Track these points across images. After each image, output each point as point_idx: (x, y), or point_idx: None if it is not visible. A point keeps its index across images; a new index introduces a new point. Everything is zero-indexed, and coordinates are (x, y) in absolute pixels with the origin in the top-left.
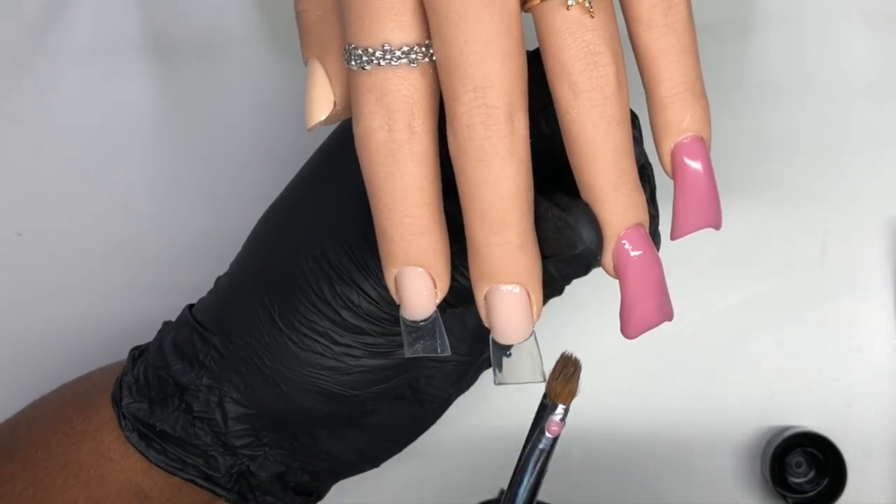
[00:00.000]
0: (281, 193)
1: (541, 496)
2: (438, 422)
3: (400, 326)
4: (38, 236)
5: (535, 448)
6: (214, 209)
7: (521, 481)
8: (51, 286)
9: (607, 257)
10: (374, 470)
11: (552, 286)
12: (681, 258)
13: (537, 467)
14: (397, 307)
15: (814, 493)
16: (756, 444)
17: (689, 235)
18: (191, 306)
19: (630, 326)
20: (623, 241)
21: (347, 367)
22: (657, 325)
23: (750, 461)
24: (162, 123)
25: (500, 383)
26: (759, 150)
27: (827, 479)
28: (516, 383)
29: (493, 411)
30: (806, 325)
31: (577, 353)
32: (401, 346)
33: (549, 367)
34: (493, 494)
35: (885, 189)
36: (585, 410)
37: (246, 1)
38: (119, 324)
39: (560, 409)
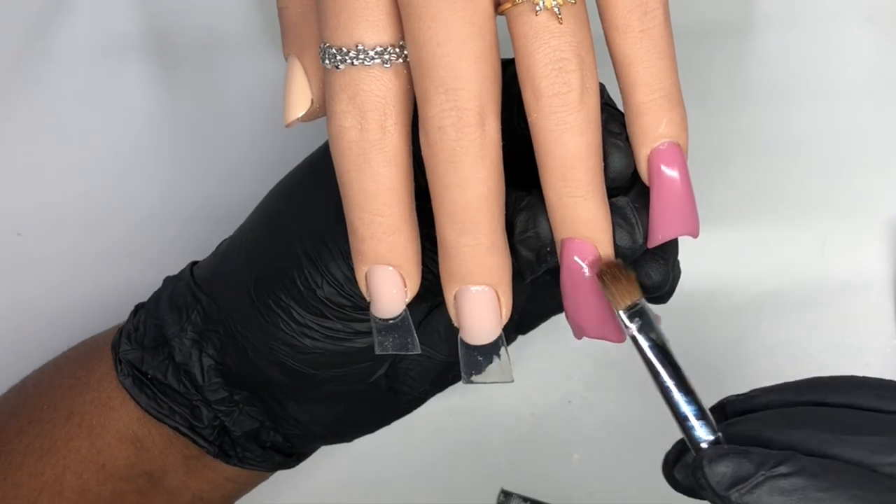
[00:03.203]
0: (283, 177)
1: (540, 496)
2: (439, 421)
3: (358, 315)
4: (38, 236)
5: (667, 342)
6: (214, 206)
7: (687, 379)
8: (51, 285)
9: (558, 257)
10: (373, 469)
11: (519, 288)
12: (681, 258)
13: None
14: (359, 295)
15: None
16: None
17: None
18: (194, 263)
19: (571, 328)
20: (563, 247)
21: (304, 347)
22: (592, 337)
23: None
24: (162, 123)
25: (469, 383)
26: (758, 151)
27: None
28: (485, 383)
29: (493, 411)
30: (806, 325)
31: (577, 356)
32: (359, 334)
33: (542, 369)
34: (493, 494)
35: (885, 189)
36: (586, 411)
37: (245, 1)
38: (120, 318)
39: (643, 301)
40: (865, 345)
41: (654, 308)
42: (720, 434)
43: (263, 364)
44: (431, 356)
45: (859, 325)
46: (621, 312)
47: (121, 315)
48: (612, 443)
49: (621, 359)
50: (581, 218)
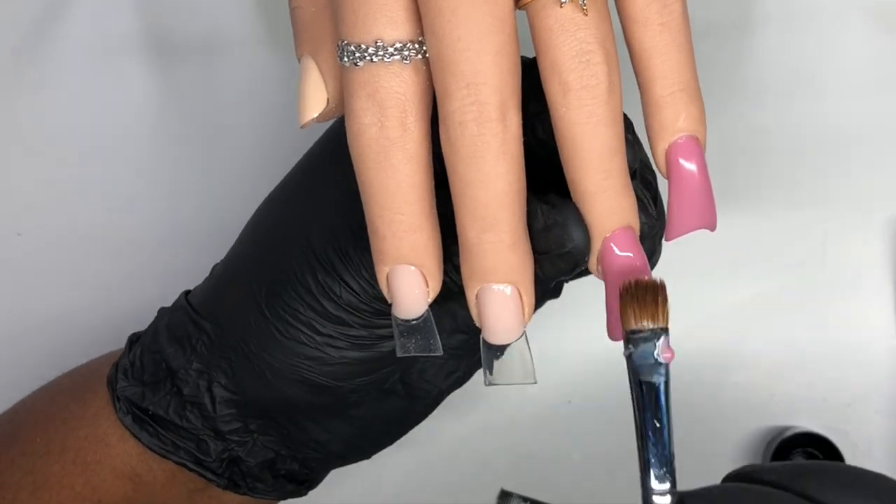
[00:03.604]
0: (276, 186)
1: (540, 496)
2: (440, 422)
3: (380, 320)
4: (38, 236)
5: (658, 386)
6: (214, 208)
7: (664, 427)
8: (51, 285)
9: (593, 258)
10: (374, 469)
11: (539, 287)
12: (681, 258)
13: (668, 403)
14: (380, 301)
15: None
16: (756, 444)
17: (683, 236)
18: (187, 292)
19: (614, 329)
20: (608, 243)
21: (330, 358)
22: None
23: (750, 461)
24: (162, 123)
25: (490, 384)
26: (759, 150)
27: None
28: (507, 384)
29: (493, 411)
30: (806, 325)
31: (577, 356)
32: (383, 339)
33: (542, 369)
34: (493, 494)
35: (885, 189)
36: (586, 411)
37: (246, 1)
38: (119, 319)
39: (662, 331)
40: (865, 345)
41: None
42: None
43: (284, 383)
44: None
45: (859, 325)
46: (644, 331)
47: (122, 316)
48: (612, 443)
49: (621, 359)
50: (623, 206)
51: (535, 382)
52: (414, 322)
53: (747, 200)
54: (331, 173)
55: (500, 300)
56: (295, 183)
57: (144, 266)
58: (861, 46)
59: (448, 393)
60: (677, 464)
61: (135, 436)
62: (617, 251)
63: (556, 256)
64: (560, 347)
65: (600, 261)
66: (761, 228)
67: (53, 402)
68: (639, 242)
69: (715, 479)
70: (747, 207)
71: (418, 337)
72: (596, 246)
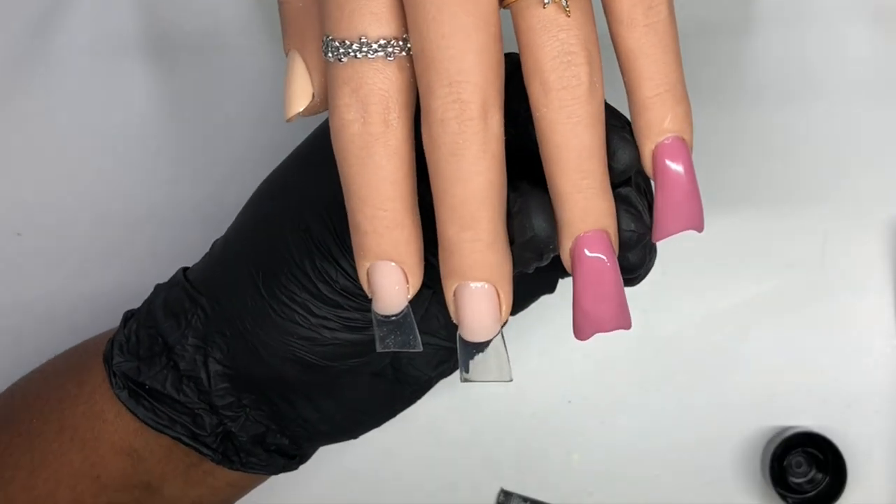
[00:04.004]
0: (276, 168)
1: (540, 496)
2: (439, 421)
3: None
4: (38, 236)
5: None
6: (214, 208)
7: None
8: (51, 285)
9: (564, 255)
10: (372, 469)
11: (529, 281)
12: (681, 258)
13: None
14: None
15: (814, 493)
16: (756, 444)
17: (675, 237)
18: (185, 269)
19: (579, 328)
20: (580, 244)
21: (323, 339)
22: (608, 331)
23: (750, 461)
24: (162, 123)
25: (466, 381)
26: (759, 150)
27: (827, 479)
28: (483, 381)
29: (493, 410)
30: (806, 325)
31: (577, 356)
32: None
33: (542, 368)
34: (493, 494)
35: (885, 189)
36: (586, 411)
37: (245, 1)
38: (114, 314)
39: None
40: (865, 345)
41: None
42: None
43: (277, 361)
44: (432, 342)
45: (859, 325)
46: None
47: (118, 310)
48: (612, 443)
49: (621, 359)
50: (599, 208)
51: (511, 380)
52: (394, 318)
53: (747, 201)
54: (330, 161)
55: (477, 298)
56: (295, 167)
57: (145, 265)
58: (861, 47)
59: (437, 380)
60: (678, 466)
61: (131, 411)
62: (588, 253)
63: (521, 245)
64: (560, 347)
65: (570, 260)
66: (761, 228)
67: (48, 382)
68: (612, 247)
69: (715, 478)
70: (747, 208)
71: (398, 332)
72: (566, 245)
